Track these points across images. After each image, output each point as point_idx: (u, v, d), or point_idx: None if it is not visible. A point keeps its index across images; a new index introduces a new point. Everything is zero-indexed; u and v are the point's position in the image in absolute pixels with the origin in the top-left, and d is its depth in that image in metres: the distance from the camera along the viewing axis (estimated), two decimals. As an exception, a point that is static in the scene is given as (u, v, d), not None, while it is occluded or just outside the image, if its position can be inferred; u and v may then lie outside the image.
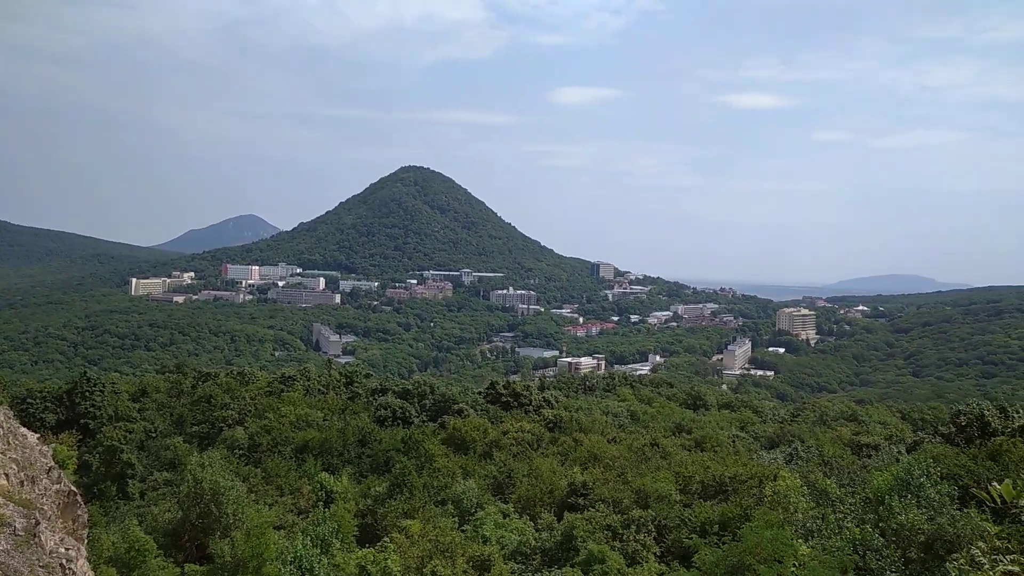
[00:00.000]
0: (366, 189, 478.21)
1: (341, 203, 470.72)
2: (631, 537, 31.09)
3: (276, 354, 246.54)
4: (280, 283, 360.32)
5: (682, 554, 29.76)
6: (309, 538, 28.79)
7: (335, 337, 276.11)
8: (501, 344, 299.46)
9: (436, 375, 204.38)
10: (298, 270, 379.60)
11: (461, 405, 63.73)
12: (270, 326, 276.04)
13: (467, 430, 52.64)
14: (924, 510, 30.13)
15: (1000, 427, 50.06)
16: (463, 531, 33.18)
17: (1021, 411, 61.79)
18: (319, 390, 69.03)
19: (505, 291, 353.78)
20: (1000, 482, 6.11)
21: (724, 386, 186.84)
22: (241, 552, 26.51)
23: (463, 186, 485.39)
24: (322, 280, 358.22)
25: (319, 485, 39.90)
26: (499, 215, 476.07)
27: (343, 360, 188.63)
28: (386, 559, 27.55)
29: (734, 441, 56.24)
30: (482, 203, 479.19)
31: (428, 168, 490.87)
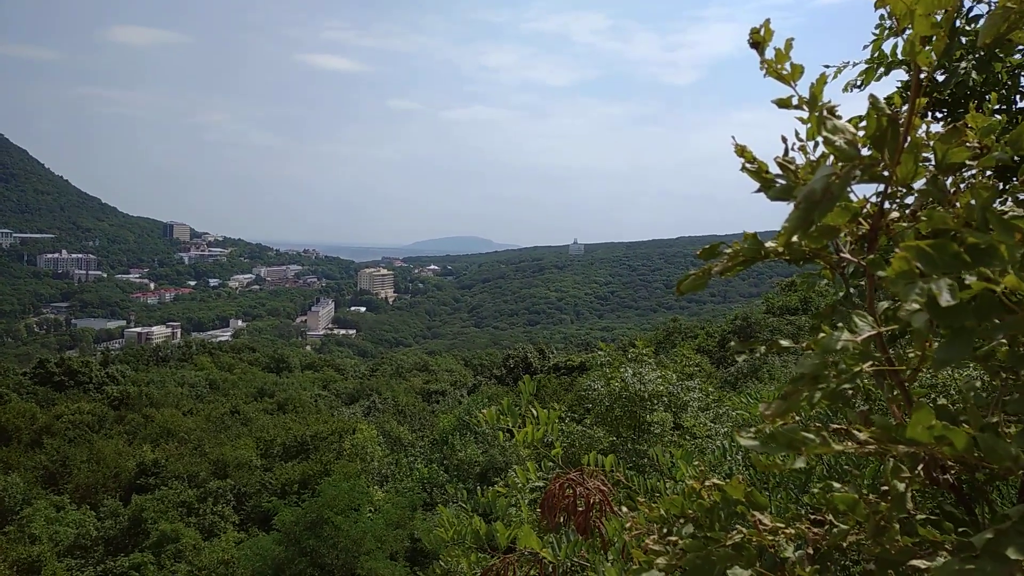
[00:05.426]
0: None
1: None
2: (208, 510, 30.09)
3: None
4: None
5: (262, 518, 29.74)
6: None
7: None
8: (53, 316, 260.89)
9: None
10: None
11: (1, 389, 54.65)
12: None
13: (9, 417, 45.39)
14: (480, 445, 34.58)
15: (539, 366, 59.44)
16: (5, 533, 28.79)
17: (555, 351, 74.04)
18: None
19: (57, 255, 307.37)
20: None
21: (308, 347, 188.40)
22: None
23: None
24: None
25: None
26: (48, 167, 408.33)
27: None
28: None
29: (316, 400, 57.47)
30: (24, 152, 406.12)
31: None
